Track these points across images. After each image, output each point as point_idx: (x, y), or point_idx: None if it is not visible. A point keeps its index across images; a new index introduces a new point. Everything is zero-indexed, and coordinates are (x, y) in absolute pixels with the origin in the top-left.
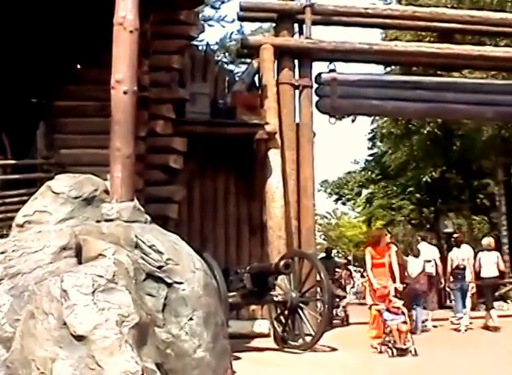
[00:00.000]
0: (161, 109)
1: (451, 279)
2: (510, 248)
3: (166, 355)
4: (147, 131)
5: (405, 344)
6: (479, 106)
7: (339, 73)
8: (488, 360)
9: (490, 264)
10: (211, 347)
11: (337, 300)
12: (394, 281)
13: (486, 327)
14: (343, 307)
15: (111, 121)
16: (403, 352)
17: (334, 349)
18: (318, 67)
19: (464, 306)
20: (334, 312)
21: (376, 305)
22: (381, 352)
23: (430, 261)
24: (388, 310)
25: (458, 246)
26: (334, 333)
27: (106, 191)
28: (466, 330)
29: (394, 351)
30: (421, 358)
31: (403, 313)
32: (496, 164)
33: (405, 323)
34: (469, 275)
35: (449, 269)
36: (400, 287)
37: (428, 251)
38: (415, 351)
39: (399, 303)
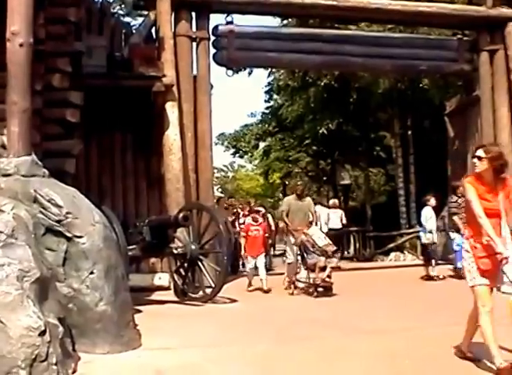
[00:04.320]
0: (58, 63)
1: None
2: (406, 200)
3: (68, 310)
4: (44, 85)
5: None
6: (376, 59)
7: (237, 25)
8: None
9: (335, 219)
10: (113, 300)
11: (322, 260)
12: None
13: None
14: (332, 268)
15: (6, 75)
16: None
17: (234, 300)
18: (216, 19)
19: None
20: (321, 276)
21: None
22: None
23: None
24: None
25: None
26: (234, 284)
27: (3, 146)
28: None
29: None
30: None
31: None
32: (392, 117)
33: None
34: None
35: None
36: None
37: None
38: None
39: None
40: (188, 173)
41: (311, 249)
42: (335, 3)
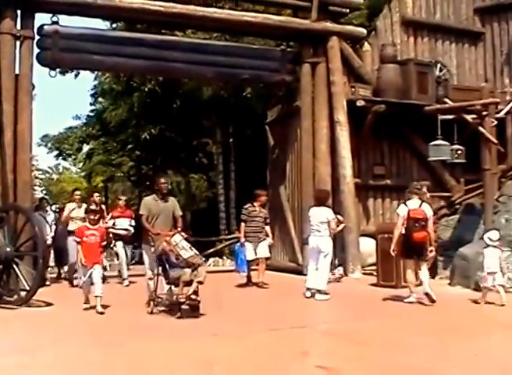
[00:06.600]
0: None
1: None
2: (226, 206)
3: None
4: None
5: None
6: (199, 66)
7: (62, 25)
8: None
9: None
10: None
11: (187, 273)
12: None
13: None
14: (199, 283)
15: None
16: None
17: (50, 304)
18: (43, 19)
19: None
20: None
21: None
22: None
23: None
24: None
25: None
26: (52, 288)
27: None
28: None
29: None
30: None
31: None
32: (215, 124)
33: None
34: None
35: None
36: None
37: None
38: None
39: None
40: (6, 174)
41: (175, 261)
42: (162, 9)
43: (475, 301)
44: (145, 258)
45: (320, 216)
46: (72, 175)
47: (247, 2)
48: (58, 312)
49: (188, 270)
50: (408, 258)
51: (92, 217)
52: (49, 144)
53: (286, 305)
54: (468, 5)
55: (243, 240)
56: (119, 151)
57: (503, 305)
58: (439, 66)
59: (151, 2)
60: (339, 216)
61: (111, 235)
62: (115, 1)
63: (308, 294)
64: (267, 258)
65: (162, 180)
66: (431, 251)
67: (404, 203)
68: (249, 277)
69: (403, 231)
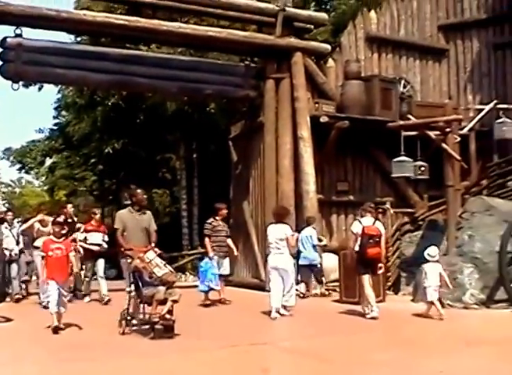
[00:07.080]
0: None
1: None
2: (189, 221)
3: None
4: None
5: None
6: (164, 81)
7: (25, 38)
8: None
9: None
10: None
11: (162, 291)
12: None
13: None
14: (174, 302)
15: None
16: None
17: (9, 320)
18: (6, 31)
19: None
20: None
21: None
22: None
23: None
24: None
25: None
26: (14, 305)
27: None
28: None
29: None
30: None
31: None
32: (178, 139)
33: None
34: None
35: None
36: None
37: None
38: None
39: None
40: None
41: (148, 279)
42: (126, 23)
43: (423, 316)
44: (124, 271)
45: (278, 233)
46: (34, 189)
47: (211, 17)
48: (19, 329)
49: (162, 288)
50: (365, 273)
51: (57, 230)
52: (11, 158)
53: (248, 322)
54: (432, 23)
55: (211, 254)
56: (82, 166)
57: (441, 320)
58: (402, 82)
59: (115, 16)
60: (320, 236)
61: (81, 250)
62: (80, 14)
63: (274, 314)
64: (228, 275)
65: (140, 191)
66: (380, 267)
67: (358, 221)
68: (207, 293)
69: (357, 248)
